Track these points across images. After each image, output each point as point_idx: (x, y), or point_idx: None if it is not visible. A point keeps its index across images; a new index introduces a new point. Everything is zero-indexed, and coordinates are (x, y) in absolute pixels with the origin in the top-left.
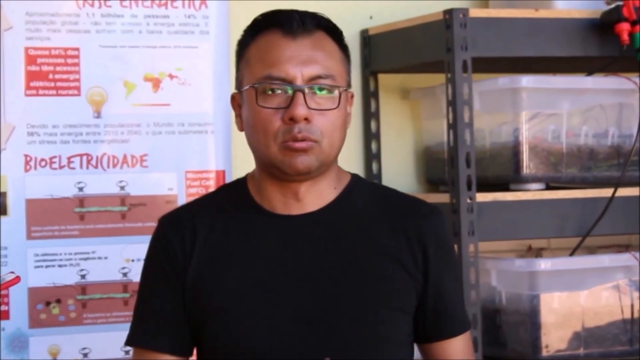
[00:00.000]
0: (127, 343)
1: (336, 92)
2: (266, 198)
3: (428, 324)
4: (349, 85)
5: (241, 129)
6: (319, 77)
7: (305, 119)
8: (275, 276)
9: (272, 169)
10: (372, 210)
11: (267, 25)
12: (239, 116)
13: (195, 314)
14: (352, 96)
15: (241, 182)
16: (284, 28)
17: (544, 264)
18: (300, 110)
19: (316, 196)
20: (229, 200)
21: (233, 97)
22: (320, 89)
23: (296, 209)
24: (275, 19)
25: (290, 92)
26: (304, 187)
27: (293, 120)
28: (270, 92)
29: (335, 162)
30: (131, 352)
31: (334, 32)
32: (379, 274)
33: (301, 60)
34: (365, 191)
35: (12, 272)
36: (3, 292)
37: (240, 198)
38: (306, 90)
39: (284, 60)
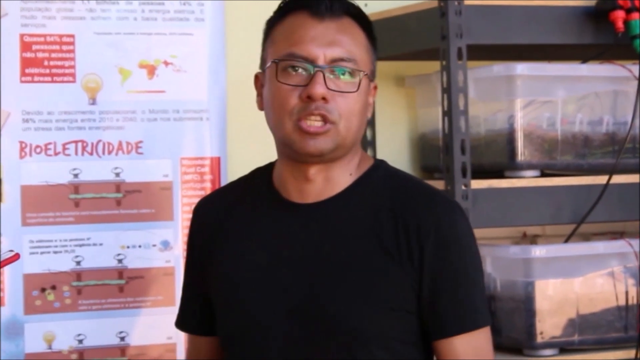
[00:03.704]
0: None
1: (357, 77)
2: (282, 183)
3: (426, 322)
4: (372, 75)
5: (261, 107)
6: (342, 59)
7: (323, 98)
8: (274, 265)
9: (286, 148)
10: (380, 202)
11: (296, 6)
12: (259, 95)
13: (211, 296)
14: (376, 87)
15: (269, 166)
16: (312, 9)
17: (538, 251)
18: (318, 89)
19: (328, 182)
20: (253, 185)
21: (256, 77)
22: (342, 73)
23: (308, 196)
24: (304, 0)
25: (311, 71)
26: (314, 168)
27: (310, 98)
28: (291, 70)
29: (354, 149)
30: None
31: (363, 21)
32: (370, 270)
33: (325, 41)
34: (380, 181)
35: (12, 250)
36: None
37: (262, 182)
38: (327, 72)
39: (308, 39)
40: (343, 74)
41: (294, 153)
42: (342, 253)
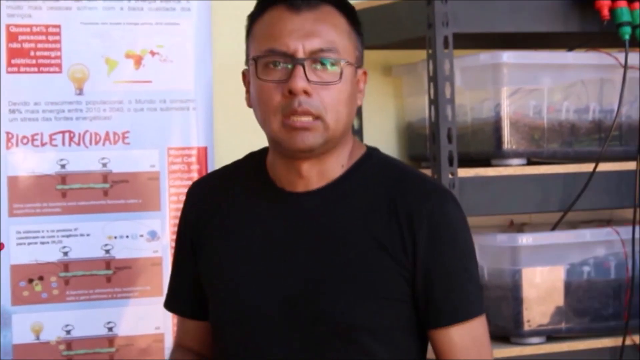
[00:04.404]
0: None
1: (339, 66)
2: (275, 173)
3: (421, 312)
4: (359, 61)
5: (249, 105)
6: (321, 50)
7: (305, 92)
8: (267, 254)
9: (276, 145)
10: (372, 192)
11: (273, 1)
12: (248, 92)
13: (202, 281)
14: (365, 73)
15: (263, 151)
16: (288, 2)
17: (525, 239)
18: (298, 83)
19: (321, 174)
20: (247, 170)
21: (243, 74)
22: (323, 63)
23: (300, 186)
24: None
25: (291, 65)
26: (307, 164)
27: (292, 93)
28: (272, 66)
29: (345, 139)
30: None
31: (344, 7)
32: (362, 261)
33: (303, 33)
34: (372, 170)
35: None
36: None
37: (256, 169)
38: (307, 64)
39: (285, 33)
40: (324, 64)
41: (284, 150)
42: (335, 243)
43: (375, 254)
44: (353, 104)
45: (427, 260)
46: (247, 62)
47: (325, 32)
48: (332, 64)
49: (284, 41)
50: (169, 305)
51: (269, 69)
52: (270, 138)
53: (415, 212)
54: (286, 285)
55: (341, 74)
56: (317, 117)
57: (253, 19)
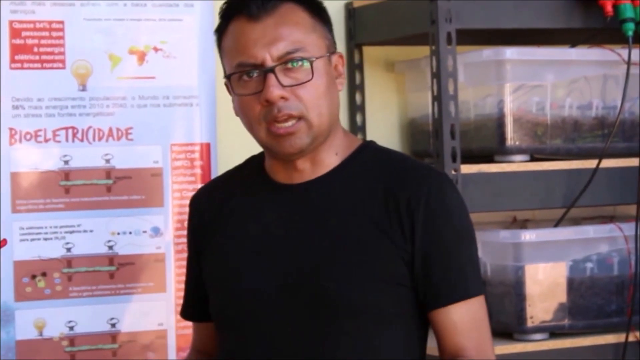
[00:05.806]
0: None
1: (308, 63)
2: (272, 169)
3: (420, 294)
4: (331, 48)
5: (237, 114)
6: (288, 53)
7: (282, 97)
8: (265, 242)
9: (267, 149)
10: (369, 179)
11: (232, 12)
12: (233, 101)
13: (205, 278)
14: (341, 56)
15: (262, 154)
16: (244, 12)
17: (528, 235)
18: (273, 92)
19: (316, 164)
20: (247, 171)
21: (226, 85)
22: (293, 64)
23: (297, 178)
24: (237, 4)
25: (262, 74)
26: (300, 159)
27: (269, 102)
28: (245, 77)
29: (335, 127)
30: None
31: (302, 1)
32: (361, 244)
33: (267, 40)
34: (369, 159)
35: None
36: None
37: (255, 169)
38: (278, 69)
39: (250, 44)
40: (294, 65)
41: (276, 154)
42: (333, 227)
43: (374, 237)
44: (333, 93)
45: (425, 242)
46: (225, 75)
47: (288, 34)
48: (304, 62)
49: (250, 53)
50: (184, 313)
51: (243, 82)
52: (261, 145)
53: (413, 196)
54: (286, 271)
55: (312, 70)
56: (299, 118)
57: (220, 33)
